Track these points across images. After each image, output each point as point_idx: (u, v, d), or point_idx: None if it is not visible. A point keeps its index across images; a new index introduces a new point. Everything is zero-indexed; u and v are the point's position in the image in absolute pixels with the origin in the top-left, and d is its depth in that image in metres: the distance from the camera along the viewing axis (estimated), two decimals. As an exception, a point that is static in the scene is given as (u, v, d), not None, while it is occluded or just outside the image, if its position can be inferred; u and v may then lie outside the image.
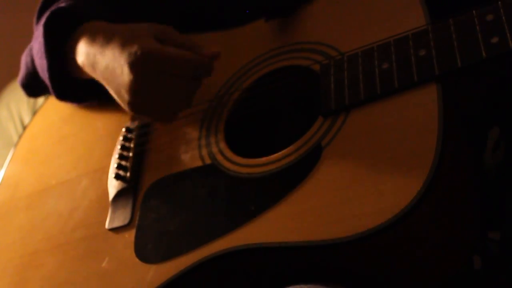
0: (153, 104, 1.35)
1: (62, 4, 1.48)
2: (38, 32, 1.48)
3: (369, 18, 1.35)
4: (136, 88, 1.33)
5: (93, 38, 1.40)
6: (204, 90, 1.46)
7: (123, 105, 1.37)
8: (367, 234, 1.12)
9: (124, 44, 1.34)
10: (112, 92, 1.38)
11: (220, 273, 1.26)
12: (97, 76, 1.40)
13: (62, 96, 1.50)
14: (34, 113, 1.79)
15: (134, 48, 1.31)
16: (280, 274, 1.21)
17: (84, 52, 1.41)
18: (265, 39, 1.47)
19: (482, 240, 1.24)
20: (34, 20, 1.58)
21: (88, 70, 1.42)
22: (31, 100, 2.38)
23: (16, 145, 1.74)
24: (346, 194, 1.18)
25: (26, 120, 2.37)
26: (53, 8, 1.47)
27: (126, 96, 1.34)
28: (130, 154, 1.48)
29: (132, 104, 1.35)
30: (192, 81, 1.37)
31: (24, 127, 1.80)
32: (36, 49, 1.49)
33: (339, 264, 1.17)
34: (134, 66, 1.31)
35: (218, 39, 1.54)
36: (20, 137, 1.75)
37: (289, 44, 1.43)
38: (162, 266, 1.29)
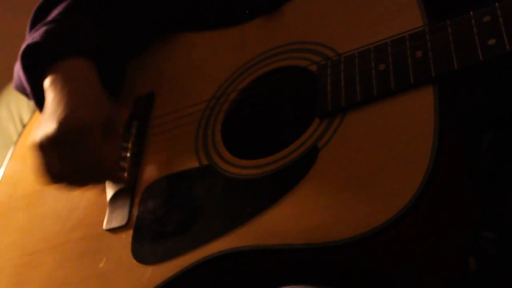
0: (52, 165, 1.38)
1: (39, 33, 1.49)
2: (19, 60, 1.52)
3: (366, 19, 1.35)
4: (44, 145, 1.36)
5: (59, 83, 1.44)
6: (202, 91, 1.47)
7: (31, 140, 1.40)
8: (363, 237, 1.12)
9: (72, 107, 1.38)
10: (39, 121, 1.42)
11: (216, 275, 1.26)
12: (46, 102, 1.44)
13: None
14: (34, 111, 1.79)
15: (74, 119, 1.36)
16: (276, 275, 1.21)
17: (48, 88, 1.45)
18: (263, 39, 1.47)
19: (477, 241, 1.25)
20: (27, 29, 1.59)
21: (46, 93, 1.46)
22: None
23: (15, 144, 1.74)
24: (341, 197, 1.18)
25: (26, 120, 2.36)
26: (30, 41, 1.49)
27: (37, 140, 1.37)
28: (128, 155, 1.48)
29: (38, 147, 1.37)
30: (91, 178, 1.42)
31: (24, 126, 1.80)
32: (20, 73, 1.52)
33: (334, 266, 1.17)
34: (58, 128, 1.36)
35: (215, 38, 1.55)
36: (19, 136, 1.76)
37: (287, 44, 1.43)
38: (159, 267, 1.29)
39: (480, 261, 1.24)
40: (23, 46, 1.49)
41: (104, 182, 1.47)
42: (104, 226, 1.42)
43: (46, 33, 1.49)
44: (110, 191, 1.46)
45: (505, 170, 1.30)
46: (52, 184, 1.40)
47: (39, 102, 1.51)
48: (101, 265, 1.37)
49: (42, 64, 1.47)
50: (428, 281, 1.19)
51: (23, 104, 2.44)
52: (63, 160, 1.36)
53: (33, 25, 1.57)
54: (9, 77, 2.40)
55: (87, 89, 1.44)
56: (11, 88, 2.51)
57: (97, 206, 1.46)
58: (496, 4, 1.20)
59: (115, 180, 1.44)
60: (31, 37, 1.50)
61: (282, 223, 1.21)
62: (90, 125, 1.36)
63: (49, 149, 1.36)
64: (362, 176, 1.19)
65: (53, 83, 1.44)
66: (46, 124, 1.38)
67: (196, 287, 1.28)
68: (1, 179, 1.69)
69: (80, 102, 1.40)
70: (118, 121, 1.46)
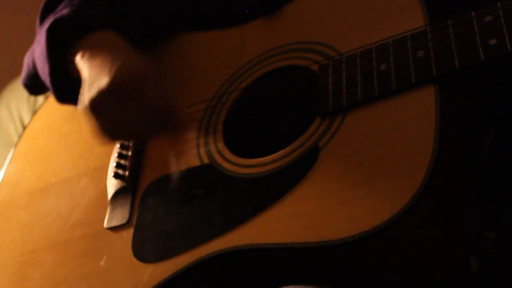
0: (107, 118, 1.34)
1: (65, 11, 1.48)
2: (41, 36, 1.49)
3: (368, 18, 1.35)
4: (100, 102, 1.32)
5: (96, 50, 1.41)
6: (203, 90, 1.48)
7: (82, 104, 1.35)
8: (363, 236, 1.12)
9: (126, 61, 1.35)
10: (84, 86, 1.37)
11: (216, 273, 1.26)
12: (85, 68, 1.40)
13: (63, 98, 1.51)
14: (34, 112, 1.80)
15: (135, 70, 1.34)
16: (275, 274, 1.21)
17: (83, 59, 1.42)
18: (265, 39, 1.47)
19: (478, 241, 1.25)
20: (37, 21, 1.58)
21: (81, 64, 1.42)
22: (31, 100, 2.39)
23: (16, 143, 1.74)
24: (343, 196, 1.18)
25: (26, 120, 2.37)
26: (57, 15, 1.47)
27: (91, 98, 1.33)
28: (129, 153, 1.49)
29: (93, 105, 1.33)
30: (149, 125, 1.37)
31: (24, 127, 1.81)
32: (38, 52, 1.50)
33: (334, 266, 1.17)
34: (114, 80, 1.32)
35: (217, 38, 1.55)
36: (20, 135, 1.76)
37: (289, 43, 1.43)
38: (159, 266, 1.30)
39: (482, 261, 1.24)
40: (50, 21, 1.46)
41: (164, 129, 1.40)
42: (105, 224, 1.42)
43: (72, 11, 1.48)
44: (111, 190, 1.46)
45: (506, 170, 1.30)
46: (116, 139, 1.40)
47: (56, 83, 1.48)
48: (101, 263, 1.37)
49: (70, 39, 1.45)
50: (429, 281, 1.19)
51: (23, 104, 2.45)
52: (123, 111, 1.32)
53: (43, 19, 1.57)
54: (9, 77, 2.41)
55: (127, 48, 1.42)
56: (11, 88, 2.52)
57: (98, 205, 1.47)
58: (498, 4, 1.20)
59: (173, 126, 1.40)
60: (53, 17, 1.48)
61: (283, 222, 1.21)
62: (143, 73, 1.34)
63: (107, 103, 1.32)
64: (363, 175, 1.19)
65: (87, 52, 1.41)
66: (97, 81, 1.33)
67: (196, 285, 1.28)
68: (2, 179, 1.69)
69: (125, 58, 1.37)
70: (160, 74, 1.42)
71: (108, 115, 1.32)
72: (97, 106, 1.32)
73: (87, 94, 1.33)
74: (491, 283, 1.26)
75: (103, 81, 1.31)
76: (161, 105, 1.34)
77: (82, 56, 1.41)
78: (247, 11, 1.52)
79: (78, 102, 1.36)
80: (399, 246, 1.14)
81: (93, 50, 1.41)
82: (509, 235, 1.27)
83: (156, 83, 1.34)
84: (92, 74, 1.36)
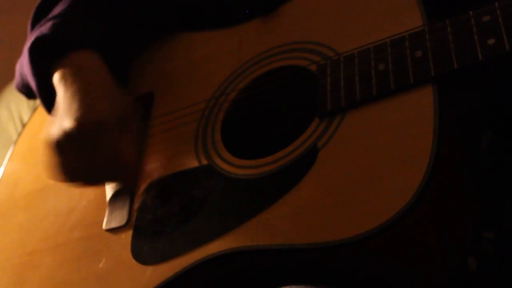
0: (68, 162, 1.37)
1: (48, 25, 1.49)
2: (25, 54, 1.51)
3: (366, 18, 1.35)
4: (62, 142, 1.35)
5: (72, 77, 1.44)
6: (201, 90, 1.47)
7: (46, 136, 1.38)
8: (362, 237, 1.12)
9: (88, 101, 1.38)
10: (56, 115, 1.41)
11: (215, 275, 1.26)
12: (59, 94, 1.43)
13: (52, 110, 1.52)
14: (34, 110, 1.79)
15: (100, 114, 1.36)
16: (276, 275, 1.21)
17: (58, 82, 1.45)
18: (262, 39, 1.47)
19: (477, 241, 1.24)
20: (28, 27, 1.59)
21: (58, 87, 1.45)
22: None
23: (15, 141, 1.74)
24: (342, 196, 1.18)
25: (26, 120, 2.36)
26: (38, 34, 1.48)
27: (54, 136, 1.36)
28: (128, 155, 1.48)
29: (55, 144, 1.36)
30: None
31: (24, 125, 1.80)
32: (26, 69, 1.51)
33: (332, 266, 1.17)
34: (76, 125, 1.35)
35: (215, 38, 1.55)
36: (19, 135, 1.76)
37: (287, 43, 1.43)
38: (158, 268, 1.29)
39: (480, 261, 1.24)
40: (31, 40, 1.49)
41: (119, 180, 1.45)
42: (104, 226, 1.42)
43: (54, 26, 1.49)
44: (109, 191, 1.46)
45: (504, 169, 1.30)
46: (67, 182, 1.39)
47: (45, 98, 1.50)
48: (100, 265, 1.37)
49: (51, 57, 1.46)
50: (428, 281, 1.19)
51: (23, 104, 2.45)
52: (80, 157, 1.35)
53: (34, 24, 1.57)
54: (9, 77, 2.40)
55: (101, 81, 1.44)
56: (11, 88, 2.52)
57: (96, 206, 1.46)
58: (496, 3, 1.20)
59: (128, 179, 1.44)
60: (37, 32, 1.49)
61: (282, 223, 1.21)
62: (108, 119, 1.36)
63: (66, 146, 1.35)
64: (362, 175, 1.19)
65: (63, 76, 1.43)
66: (62, 120, 1.36)
67: (195, 287, 1.28)
68: (1, 179, 1.69)
69: (96, 96, 1.39)
70: (132, 116, 1.45)
71: (67, 158, 1.35)
72: (59, 146, 1.35)
73: (51, 128, 1.37)
74: (490, 283, 1.26)
75: (67, 122, 1.35)
76: (118, 157, 1.38)
77: (60, 79, 1.44)
78: (247, 11, 1.52)
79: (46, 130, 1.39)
80: (398, 246, 1.14)
81: (69, 76, 1.43)
82: (507, 234, 1.27)
83: (121, 128, 1.38)
84: (62, 108, 1.39)
